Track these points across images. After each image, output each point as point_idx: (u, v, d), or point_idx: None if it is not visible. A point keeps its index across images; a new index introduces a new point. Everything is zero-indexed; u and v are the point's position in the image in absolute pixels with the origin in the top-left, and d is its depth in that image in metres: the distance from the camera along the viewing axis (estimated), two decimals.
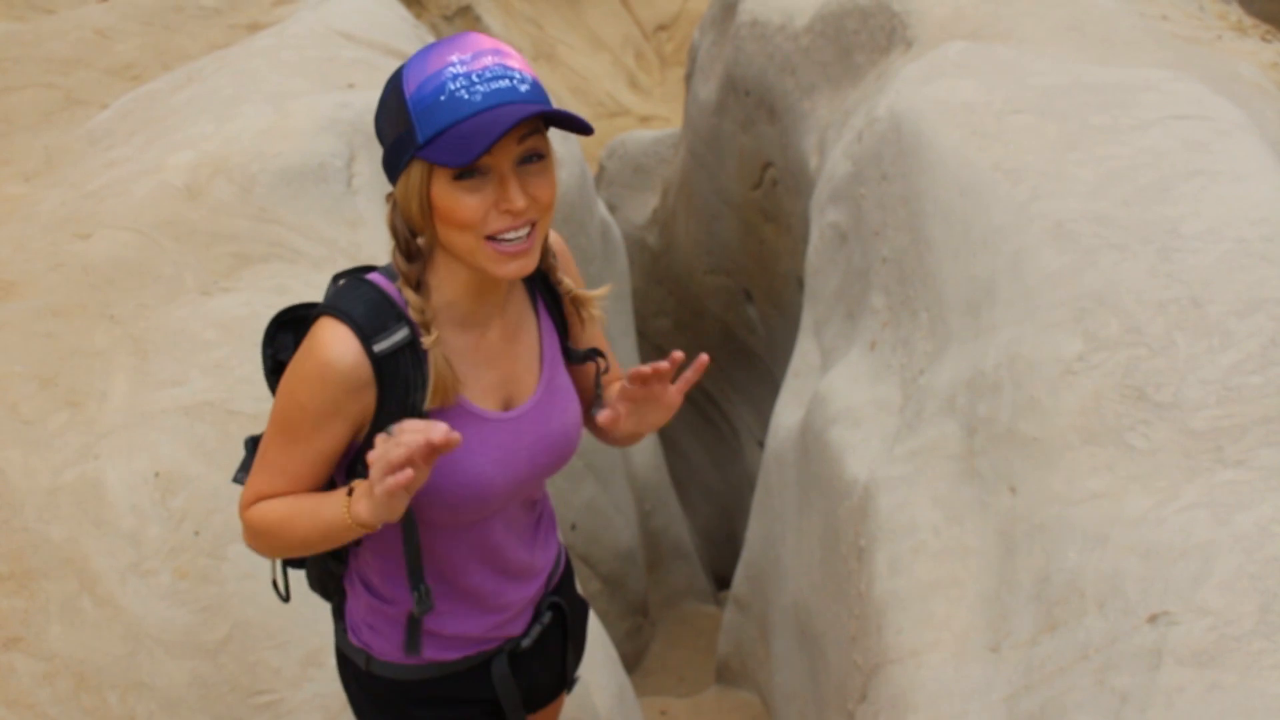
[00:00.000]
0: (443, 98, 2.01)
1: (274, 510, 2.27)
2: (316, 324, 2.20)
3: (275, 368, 2.40)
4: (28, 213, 4.58)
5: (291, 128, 4.71)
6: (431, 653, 2.53)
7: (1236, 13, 5.96)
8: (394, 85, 2.10)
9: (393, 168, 2.13)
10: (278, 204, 4.45)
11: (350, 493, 2.14)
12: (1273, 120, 4.48)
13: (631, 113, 17.30)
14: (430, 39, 6.83)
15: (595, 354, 2.53)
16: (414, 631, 2.46)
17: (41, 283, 4.13)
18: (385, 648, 2.54)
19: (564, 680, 2.83)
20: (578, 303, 2.45)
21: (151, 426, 3.69)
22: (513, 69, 2.05)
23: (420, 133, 2.03)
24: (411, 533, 2.30)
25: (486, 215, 2.07)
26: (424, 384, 2.21)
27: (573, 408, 2.47)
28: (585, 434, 2.62)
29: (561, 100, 15.91)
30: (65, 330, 3.96)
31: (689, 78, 9.51)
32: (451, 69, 2.03)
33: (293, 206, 4.47)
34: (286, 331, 2.41)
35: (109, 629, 3.37)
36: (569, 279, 2.45)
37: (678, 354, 2.29)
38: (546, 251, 2.40)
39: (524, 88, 2.04)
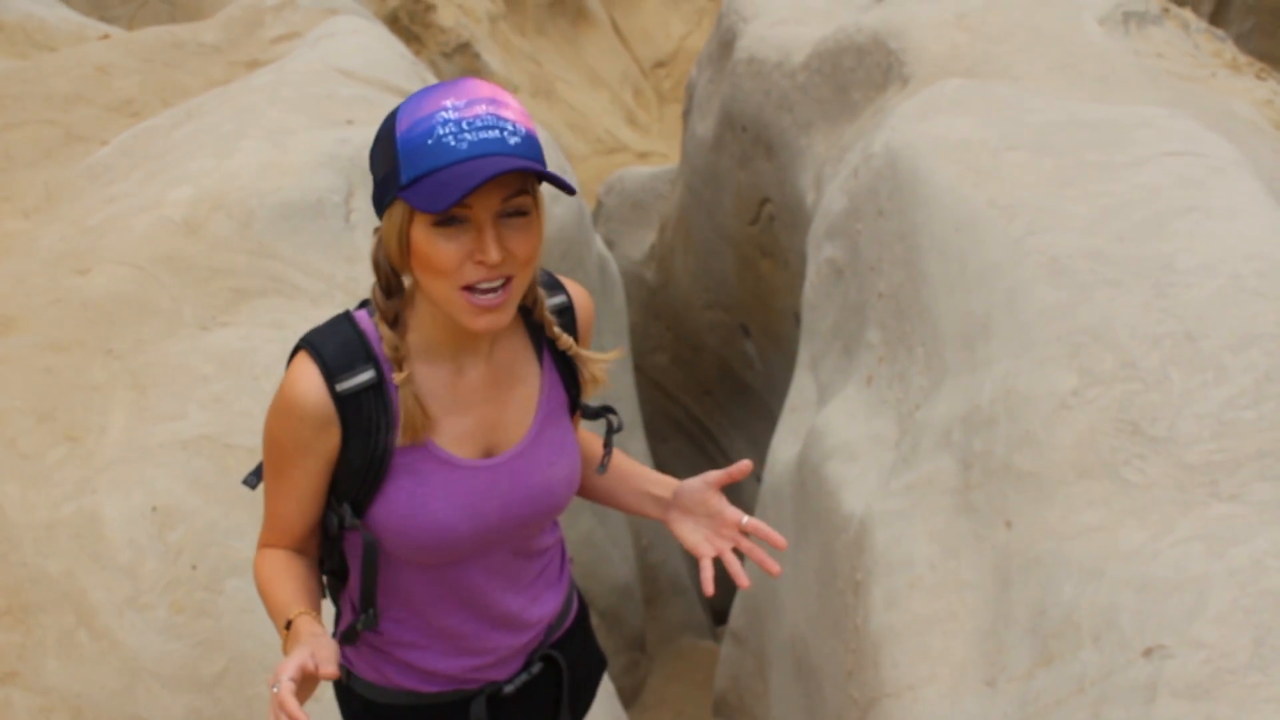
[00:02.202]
0: (430, 141, 2.00)
1: (262, 571, 2.34)
2: (294, 358, 2.23)
3: None
4: (27, 248, 4.59)
5: (290, 164, 4.73)
6: (408, 682, 2.52)
7: (1231, 50, 6.00)
8: (388, 122, 2.09)
9: (379, 203, 2.13)
10: (276, 239, 4.46)
11: (289, 626, 2.18)
12: (1267, 157, 4.51)
13: (629, 149, 17.35)
14: (429, 76, 6.86)
15: (609, 410, 2.53)
16: (350, 632, 2.43)
17: (40, 318, 4.14)
18: (362, 666, 2.54)
19: None
20: (577, 361, 2.42)
21: (149, 461, 3.69)
22: (505, 120, 2.03)
23: (404, 173, 2.03)
24: (371, 561, 2.29)
25: (462, 265, 2.05)
26: (390, 425, 2.21)
27: (563, 463, 2.42)
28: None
29: (560, 136, 15.96)
30: (64, 365, 3.97)
31: (686, 114, 9.55)
32: (443, 113, 2.01)
33: (291, 242, 4.48)
34: None
35: (106, 663, 3.36)
36: (568, 336, 2.41)
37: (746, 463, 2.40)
38: (538, 303, 2.37)
39: (514, 140, 2.02)
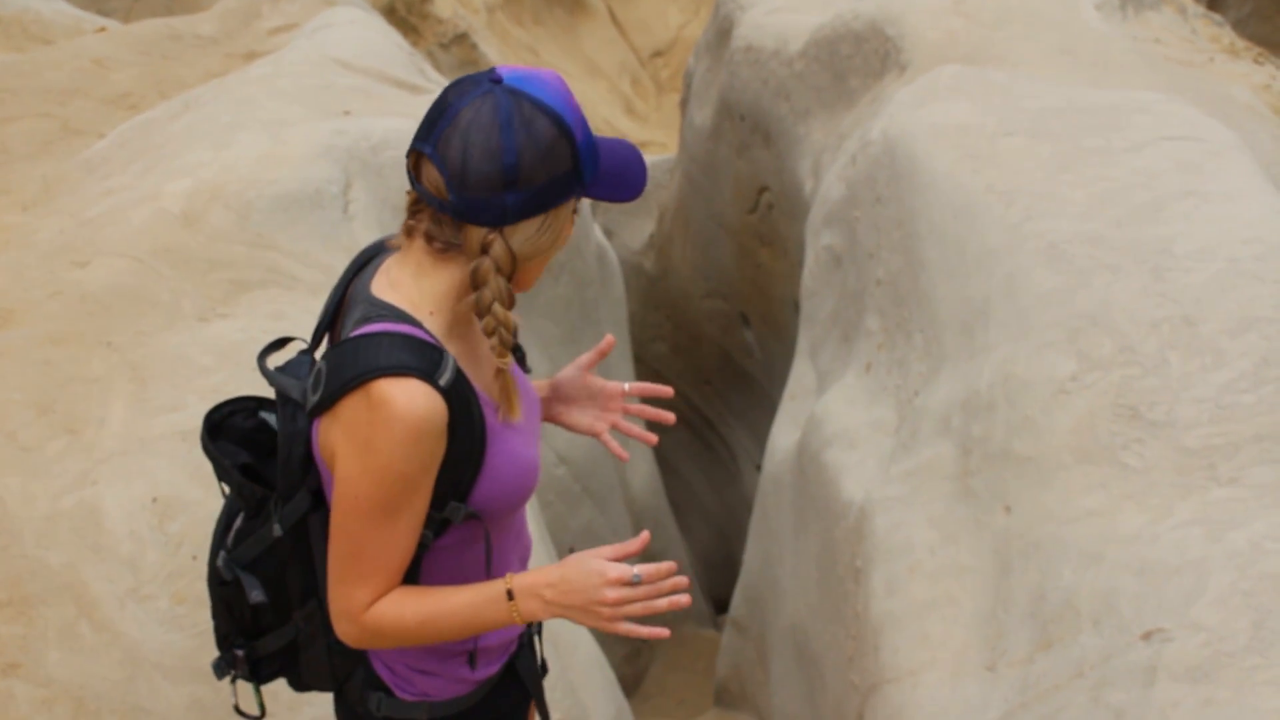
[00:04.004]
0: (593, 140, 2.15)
1: (408, 612, 2.25)
2: (374, 390, 2.11)
3: (245, 470, 2.36)
4: (26, 241, 4.59)
5: (288, 155, 4.72)
6: (481, 673, 2.52)
7: (1229, 36, 6.00)
8: (559, 124, 2.12)
9: (556, 201, 2.15)
10: (274, 230, 4.46)
11: (510, 595, 2.20)
12: (1265, 141, 4.51)
13: (627, 138, 17.33)
14: (426, 66, 6.85)
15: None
16: (472, 655, 2.44)
17: (39, 310, 4.14)
18: (444, 685, 2.50)
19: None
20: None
21: (149, 452, 3.70)
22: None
23: (586, 173, 2.14)
24: (490, 551, 2.30)
25: None
26: (477, 402, 2.20)
27: (525, 375, 2.51)
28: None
29: None
30: (63, 357, 3.97)
31: (684, 103, 9.55)
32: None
33: (289, 233, 4.48)
34: (220, 438, 2.38)
35: (107, 654, 3.37)
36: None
37: (667, 390, 2.55)
38: None
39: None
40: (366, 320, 2.22)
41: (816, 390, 5.21)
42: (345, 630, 2.29)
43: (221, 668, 2.51)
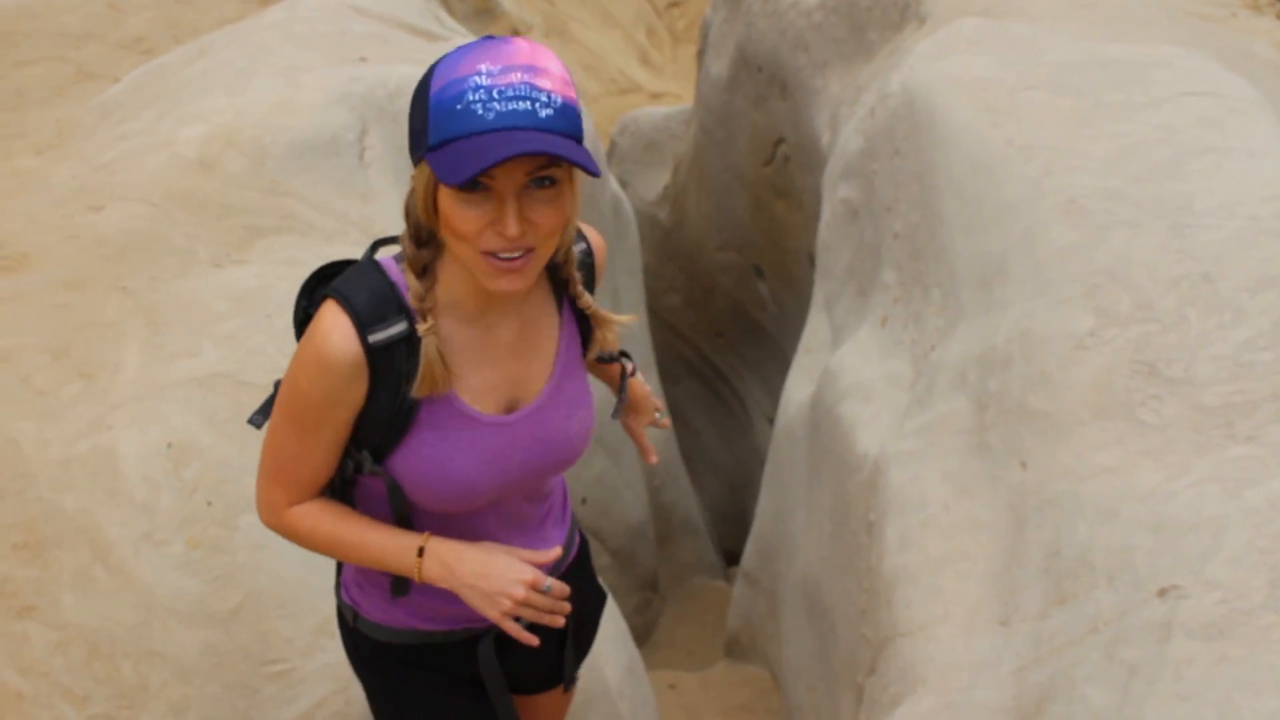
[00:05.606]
0: (459, 106, 1.96)
1: (322, 530, 2.33)
2: (321, 307, 2.19)
3: (305, 319, 2.36)
4: (40, 186, 4.59)
5: (303, 101, 4.71)
6: (418, 622, 2.54)
7: None
8: (426, 76, 2.05)
9: (412, 156, 2.10)
10: (290, 177, 4.45)
11: (421, 552, 2.26)
12: None
13: (643, 89, 17.26)
14: (442, 13, 6.82)
15: (624, 355, 2.54)
16: (400, 581, 2.45)
17: (54, 255, 4.14)
18: (370, 607, 2.57)
19: (561, 672, 2.80)
20: (594, 322, 2.41)
21: (164, 398, 3.70)
22: (540, 90, 1.97)
23: (431, 135, 2.00)
24: (399, 501, 2.31)
25: (483, 232, 2.03)
26: (416, 375, 2.21)
27: (580, 414, 2.43)
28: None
29: (574, 77, 15.83)
30: (78, 302, 3.98)
31: (701, 54, 9.49)
32: (476, 78, 1.96)
33: (305, 179, 4.47)
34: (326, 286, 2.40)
35: (122, 598, 3.38)
36: (588, 295, 2.41)
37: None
38: (567, 261, 2.35)
39: (545, 113, 1.96)
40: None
41: (831, 344, 5.20)
42: (264, 519, 2.39)
43: (258, 421, 2.51)
